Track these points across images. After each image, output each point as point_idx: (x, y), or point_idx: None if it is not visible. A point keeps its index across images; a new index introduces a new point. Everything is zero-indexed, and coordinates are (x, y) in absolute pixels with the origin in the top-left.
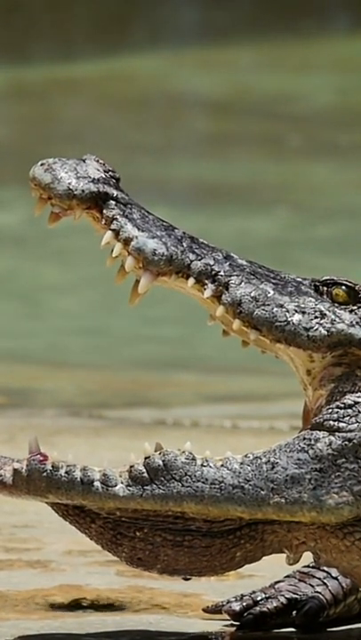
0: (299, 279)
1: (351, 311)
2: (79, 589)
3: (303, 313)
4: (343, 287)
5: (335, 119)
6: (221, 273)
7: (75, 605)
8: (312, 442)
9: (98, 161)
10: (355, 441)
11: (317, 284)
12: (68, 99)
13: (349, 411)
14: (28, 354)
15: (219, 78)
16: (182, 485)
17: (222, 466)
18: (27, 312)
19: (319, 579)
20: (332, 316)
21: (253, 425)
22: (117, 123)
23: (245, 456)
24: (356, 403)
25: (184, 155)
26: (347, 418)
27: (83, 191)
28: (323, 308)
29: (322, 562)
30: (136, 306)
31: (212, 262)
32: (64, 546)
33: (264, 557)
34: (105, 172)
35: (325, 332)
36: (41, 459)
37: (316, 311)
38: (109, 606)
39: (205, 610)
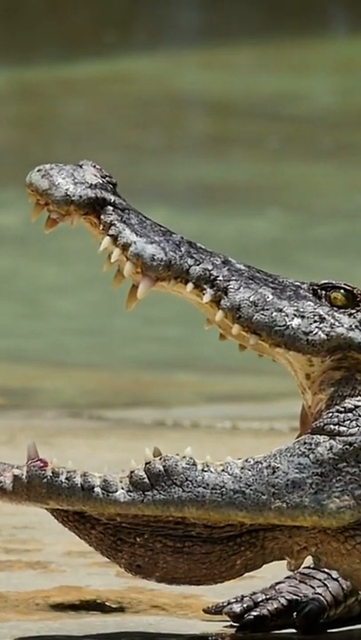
0: (297, 283)
1: (350, 315)
2: (79, 590)
3: (302, 317)
4: (342, 291)
5: (336, 120)
6: (220, 278)
7: (75, 606)
8: (313, 446)
9: (95, 166)
10: (355, 445)
11: (316, 287)
12: (69, 99)
13: (350, 415)
14: (28, 354)
15: (219, 79)
16: (183, 491)
17: (223, 471)
18: (27, 312)
19: (320, 580)
20: (332, 320)
21: (253, 426)
22: (118, 123)
23: (246, 461)
24: (357, 406)
25: (184, 156)
26: (347, 422)
27: (80, 197)
28: (322, 312)
29: (322, 565)
30: (133, 309)
31: (210, 267)
32: (64, 547)
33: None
34: (102, 177)
35: (325, 336)
36: (41, 465)
37: (315, 315)
38: (109, 607)
39: (206, 611)
